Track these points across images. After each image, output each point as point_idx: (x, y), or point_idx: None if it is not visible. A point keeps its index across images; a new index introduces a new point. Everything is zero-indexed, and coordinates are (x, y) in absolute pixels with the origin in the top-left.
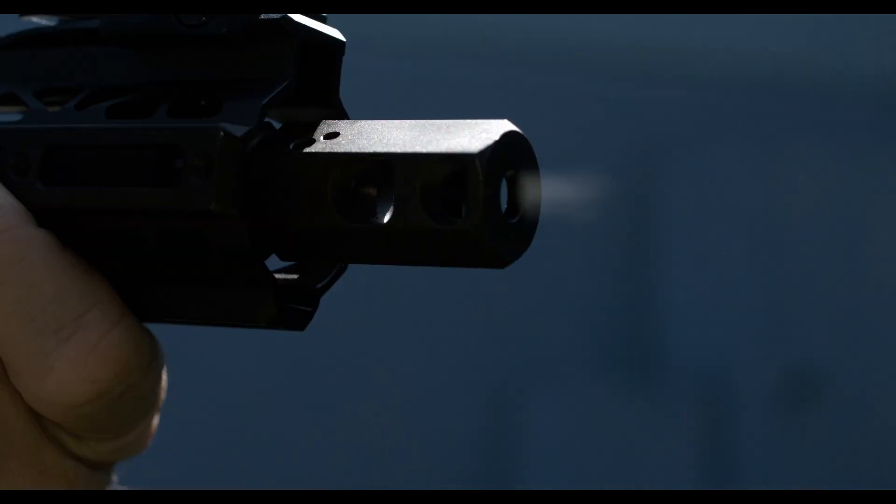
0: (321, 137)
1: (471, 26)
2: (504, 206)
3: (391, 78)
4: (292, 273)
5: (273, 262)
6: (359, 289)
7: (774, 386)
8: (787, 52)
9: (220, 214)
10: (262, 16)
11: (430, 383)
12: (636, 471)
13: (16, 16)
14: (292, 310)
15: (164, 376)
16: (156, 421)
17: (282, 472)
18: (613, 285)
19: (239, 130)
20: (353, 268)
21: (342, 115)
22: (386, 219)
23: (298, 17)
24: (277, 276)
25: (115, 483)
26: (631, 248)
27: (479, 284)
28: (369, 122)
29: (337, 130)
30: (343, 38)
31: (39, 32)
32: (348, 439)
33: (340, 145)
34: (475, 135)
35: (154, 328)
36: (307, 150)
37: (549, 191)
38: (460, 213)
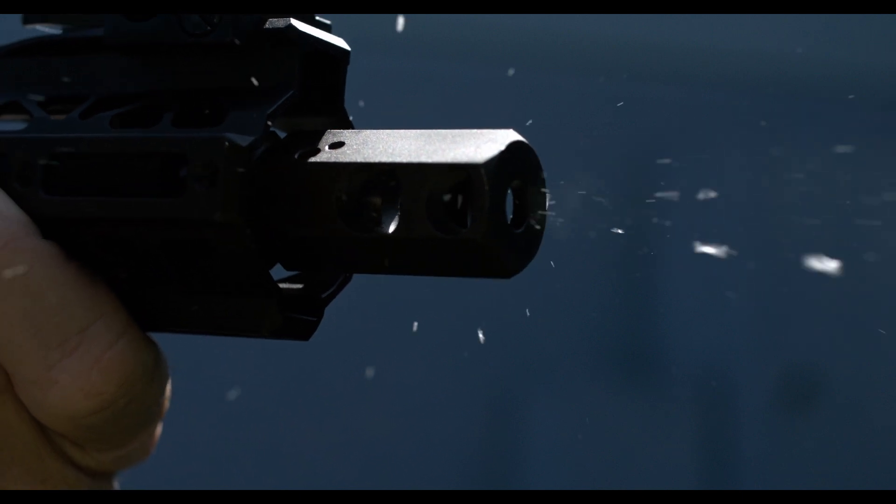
0: (326, 147)
1: (471, 26)
2: (510, 216)
3: (393, 78)
4: (297, 282)
5: (278, 271)
6: (358, 288)
7: (774, 386)
8: (788, 52)
9: (225, 224)
10: (267, 24)
11: (430, 383)
12: (636, 471)
13: (19, 24)
14: (297, 319)
15: (168, 385)
16: (159, 429)
17: (281, 472)
18: (613, 285)
19: (244, 140)
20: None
21: (347, 125)
22: (391, 229)
23: (303, 26)
24: (282, 285)
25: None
26: (630, 247)
27: (478, 284)
28: (374, 131)
29: (342, 140)
30: (348, 48)
31: (43, 40)
32: (348, 438)
33: (346, 155)
34: (481, 144)
35: (155, 335)
36: (312, 159)
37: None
38: (466, 223)
